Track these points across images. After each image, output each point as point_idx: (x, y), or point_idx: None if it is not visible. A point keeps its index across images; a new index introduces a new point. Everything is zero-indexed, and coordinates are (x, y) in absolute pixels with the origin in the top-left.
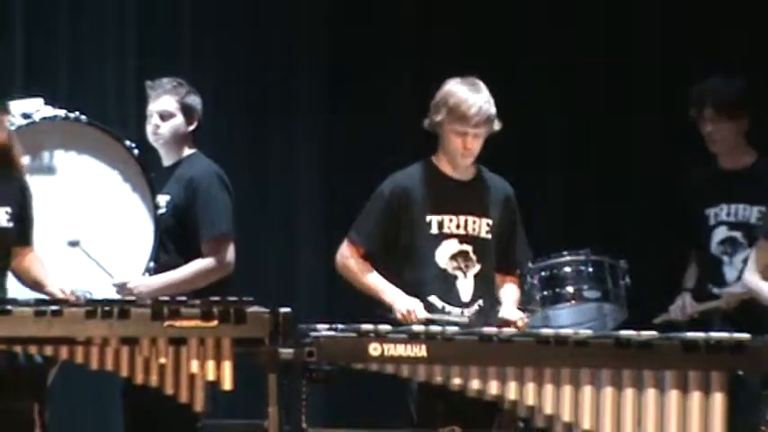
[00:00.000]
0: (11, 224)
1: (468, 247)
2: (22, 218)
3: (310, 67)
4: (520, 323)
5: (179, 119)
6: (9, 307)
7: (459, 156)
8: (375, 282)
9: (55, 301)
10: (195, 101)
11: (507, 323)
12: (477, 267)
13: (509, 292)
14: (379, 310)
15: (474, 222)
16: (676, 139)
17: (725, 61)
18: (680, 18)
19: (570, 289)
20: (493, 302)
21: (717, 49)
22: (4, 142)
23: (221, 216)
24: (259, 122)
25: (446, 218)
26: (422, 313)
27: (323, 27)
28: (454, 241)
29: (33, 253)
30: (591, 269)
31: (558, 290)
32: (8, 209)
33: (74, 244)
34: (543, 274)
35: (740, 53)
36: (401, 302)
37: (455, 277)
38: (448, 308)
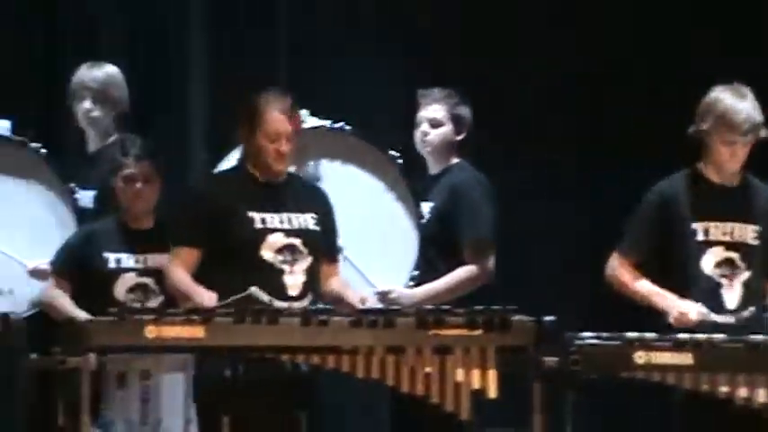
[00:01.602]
0: (318, 228)
1: (735, 255)
2: (325, 228)
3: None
4: None
5: (448, 128)
6: (277, 316)
7: (727, 164)
8: (647, 288)
9: (320, 310)
10: (465, 111)
11: None
12: (747, 275)
13: None
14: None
15: (741, 229)
16: None
17: None
18: None
19: None
20: (762, 309)
21: None
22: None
23: (484, 222)
24: (520, 131)
25: (711, 225)
26: (696, 316)
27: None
28: (720, 248)
29: (336, 272)
30: None
31: None
32: (314, 214)
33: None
34: None
35: None
36: (675, 305)
37: (719, 285)
38: (713, 315)
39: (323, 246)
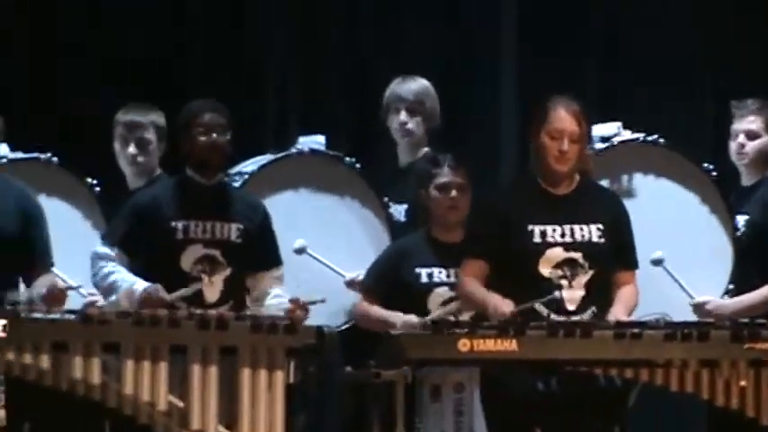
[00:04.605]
0: (603, 240)
1: None
2: (614, 237)
3: None
4: None
5: (765, 139)
6: (590, 330)
7: None
8: None
9: (633, 323)
10: None
11: None
12: None
13: None
14: None
15: None
16: None
17: None
18: None
19: None
20: None
21: None
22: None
23: None
24: None
25: None
26: None
27: None
28: None
29: (628, 281)
30: None
31: None
32: (600, 225)
33: (657, 263)
34: None
35: None
36: None
37: None
38: None
39: (608, 256)
